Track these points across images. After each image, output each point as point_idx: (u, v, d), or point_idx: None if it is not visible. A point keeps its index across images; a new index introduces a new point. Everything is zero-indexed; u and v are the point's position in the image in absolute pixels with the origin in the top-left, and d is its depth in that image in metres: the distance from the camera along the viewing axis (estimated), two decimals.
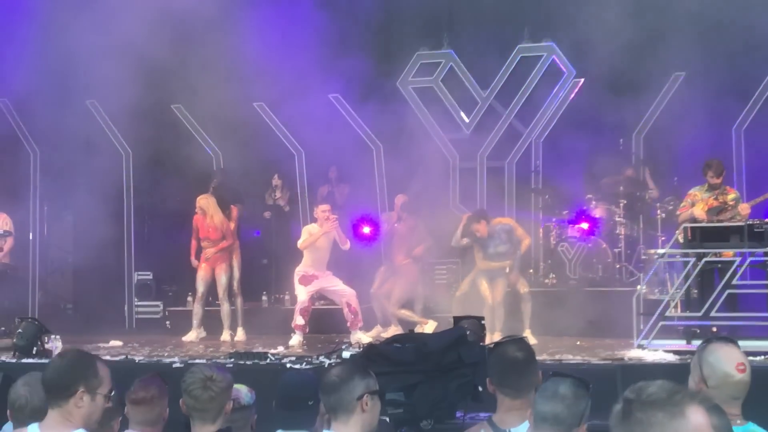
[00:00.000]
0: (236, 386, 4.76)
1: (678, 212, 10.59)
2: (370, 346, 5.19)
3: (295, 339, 11.22)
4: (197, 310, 12.17)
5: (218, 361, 8.93)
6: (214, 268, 12.05)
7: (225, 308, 12.05)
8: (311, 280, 11.46)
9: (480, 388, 5.22)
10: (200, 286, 12.13)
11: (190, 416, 4.33)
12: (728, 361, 3.88)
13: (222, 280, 12.02)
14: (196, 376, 4.30)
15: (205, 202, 12.12)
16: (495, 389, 4.27)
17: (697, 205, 10.27)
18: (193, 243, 12.26)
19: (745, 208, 10.12)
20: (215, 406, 4.27)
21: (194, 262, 12.23)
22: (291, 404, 4.71)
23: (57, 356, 4.26)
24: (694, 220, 9.95)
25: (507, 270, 11.12)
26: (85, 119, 14.85)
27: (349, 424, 3.94)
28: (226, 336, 11.95)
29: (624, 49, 12.11)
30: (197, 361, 8.72)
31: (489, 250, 11.13)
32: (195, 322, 12.14)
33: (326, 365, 8.48)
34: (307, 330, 11.44)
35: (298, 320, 11.31)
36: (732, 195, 10.37)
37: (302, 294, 11.42)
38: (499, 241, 11.10)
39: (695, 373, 3.91)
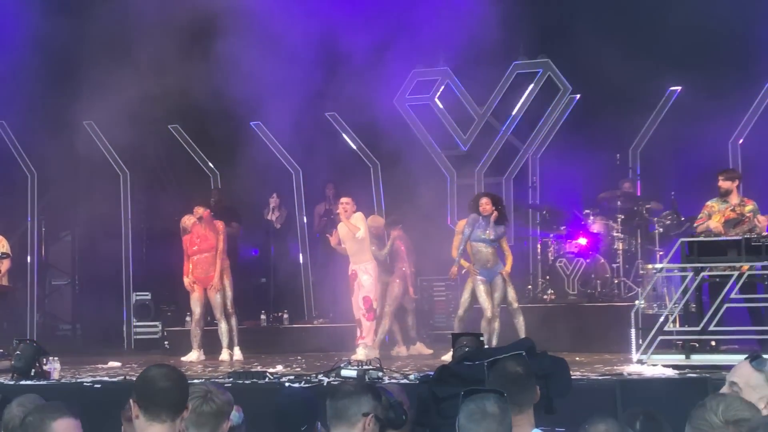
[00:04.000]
0: None
1: (695, 224, 10.42)
2: (442, 368, 5.14)
3: (362, 352, 10.99)
4: (196, 332, 12.03)
5: (217, 380, 8.88)
6: (206, 289, 11.96)
7: (223, 326, 11.94)
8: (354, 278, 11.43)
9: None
10: (196, 308, 12.02)
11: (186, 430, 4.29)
12: None
13: (217, 299, 11.90)
14: (197, 388, 4.29)
15: (188, 221, 12.12)
16: None
17: (713, 216, 10.14)
18: (186, 264, 12.16)
19: (763, 220, 9.90)
20: (212, 422, 4.24)
21: (186, 280, 12.11)
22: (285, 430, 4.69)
23: None
24: (710, 232, 9.88)
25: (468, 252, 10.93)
26: (83, 140, 14.87)
27: None
28: (224, 356, 11.88)
29: (619, 64, 12.13)
30: (195, 381, 8.67)
31: (477, 232, 10.91)
32: (195, 344, 12.05)
33: (325, 384, 8.43)
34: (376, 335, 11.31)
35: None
36: (749, 206, 10.16)
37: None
38: (492, 232, 10.95)
39: (759, 393, 3.74)
